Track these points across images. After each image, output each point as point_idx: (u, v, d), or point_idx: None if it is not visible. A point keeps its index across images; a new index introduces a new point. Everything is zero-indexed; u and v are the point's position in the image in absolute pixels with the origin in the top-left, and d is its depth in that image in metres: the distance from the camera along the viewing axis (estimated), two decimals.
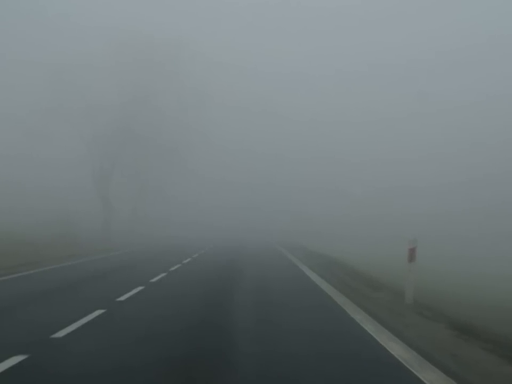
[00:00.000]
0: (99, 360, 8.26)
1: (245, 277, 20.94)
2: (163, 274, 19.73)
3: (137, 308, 12.97)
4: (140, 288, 15.78)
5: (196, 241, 51.69)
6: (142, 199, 65.17)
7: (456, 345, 10.32)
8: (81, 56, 51.47)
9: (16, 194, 60.02)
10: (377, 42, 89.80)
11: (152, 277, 18.50)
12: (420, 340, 10.41)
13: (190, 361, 8.40)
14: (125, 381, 7.44)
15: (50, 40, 56.66)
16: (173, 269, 22.40)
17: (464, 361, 9.14)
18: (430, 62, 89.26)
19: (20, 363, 7.73)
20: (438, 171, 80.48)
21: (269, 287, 18.05)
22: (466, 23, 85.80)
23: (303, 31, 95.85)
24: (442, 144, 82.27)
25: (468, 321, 11.99)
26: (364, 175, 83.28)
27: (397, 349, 9.50)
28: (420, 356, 9.10)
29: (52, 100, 52.10)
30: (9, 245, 26.68)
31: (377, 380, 8.06)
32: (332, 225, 73.15)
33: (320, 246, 44.03)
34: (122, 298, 13.89)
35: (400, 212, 74.30)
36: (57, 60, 51.51)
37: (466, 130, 79.43)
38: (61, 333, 9.62)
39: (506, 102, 79.50)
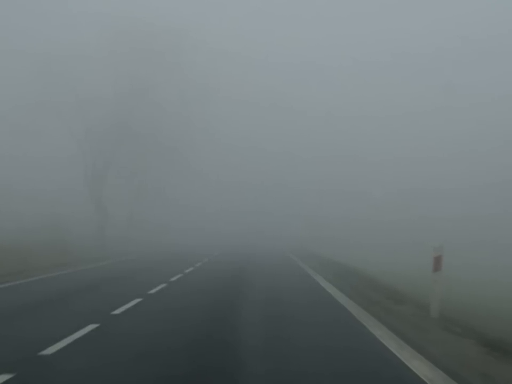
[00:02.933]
0: (92, 379, 8.27)
1: (253, 288, 20.95)
2: (163, 285, 19.76)
3: (134, 322, 12.98)
4: (137, 300, 15.81)
5: (200, 248, 51.73)
6: (139, 202, 65.15)
7: (486, 363, 10.30)
8: (72, 46, 51.48)
9: (0, 196, 60.06)
10: (399, 30, 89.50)
11: (150, 288, 18.52)
12: (446, 357, 10.39)
13: (192, 382, 8.41)
14: None
15: (38, 27, 56.66)
16: (173, 279, 22.44)
17: (495, 381, 9.13)
18: (458, 51, 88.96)
19: (6, 383, 7.74)
20: (468, 171, 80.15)
21: (280, 299, 18.05)
22: (497, 8, 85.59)
23: (317, 18, 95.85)
24: (472, 142, 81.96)
25: (500, 336, 11.95)
26: (384, 175, 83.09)
27: (421, 368, 9.48)
28: (447, 376, 9.09)
29: (39, 94, 52.09)
30: None
31: None
32: (349, 231, 73.08)
33: (336, 253, 43.96)
34: (117, 311, 13.91)
35: (424, 216, 74.12)
36: (46, 50, 51.48)
37: (498, 126, 79.21)
38: (50, 350, 9.64)
39: None
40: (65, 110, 54.91)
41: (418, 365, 9.68)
